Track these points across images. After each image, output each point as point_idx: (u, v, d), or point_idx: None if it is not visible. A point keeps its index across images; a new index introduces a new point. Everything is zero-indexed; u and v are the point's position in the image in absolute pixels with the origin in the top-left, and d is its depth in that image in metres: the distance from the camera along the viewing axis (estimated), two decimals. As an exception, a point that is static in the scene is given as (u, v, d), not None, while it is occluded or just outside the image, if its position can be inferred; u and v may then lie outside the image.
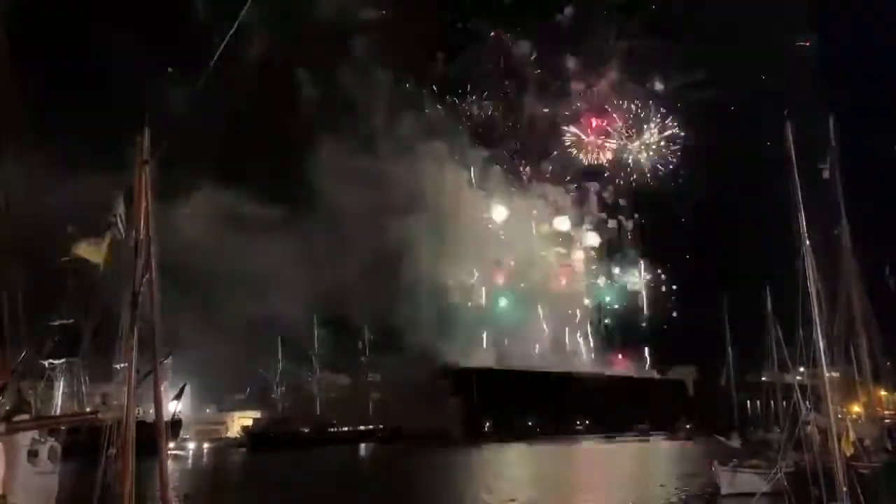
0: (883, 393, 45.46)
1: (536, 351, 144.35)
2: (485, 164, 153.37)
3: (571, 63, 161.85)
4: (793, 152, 18.51)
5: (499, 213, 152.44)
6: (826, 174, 23.72)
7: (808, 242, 18.42)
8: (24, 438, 16.61)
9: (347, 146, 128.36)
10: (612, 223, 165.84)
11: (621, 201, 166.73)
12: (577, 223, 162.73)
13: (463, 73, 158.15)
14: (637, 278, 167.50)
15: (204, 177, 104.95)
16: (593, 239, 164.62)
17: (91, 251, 10.48)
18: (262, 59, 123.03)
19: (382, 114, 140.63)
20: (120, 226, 9.93)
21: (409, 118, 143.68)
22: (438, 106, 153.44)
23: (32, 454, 17.01)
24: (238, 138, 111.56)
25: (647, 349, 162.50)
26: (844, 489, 16.98)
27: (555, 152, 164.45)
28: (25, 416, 18.91)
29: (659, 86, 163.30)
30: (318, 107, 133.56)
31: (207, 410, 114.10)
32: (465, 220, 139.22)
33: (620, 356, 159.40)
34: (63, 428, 19.75)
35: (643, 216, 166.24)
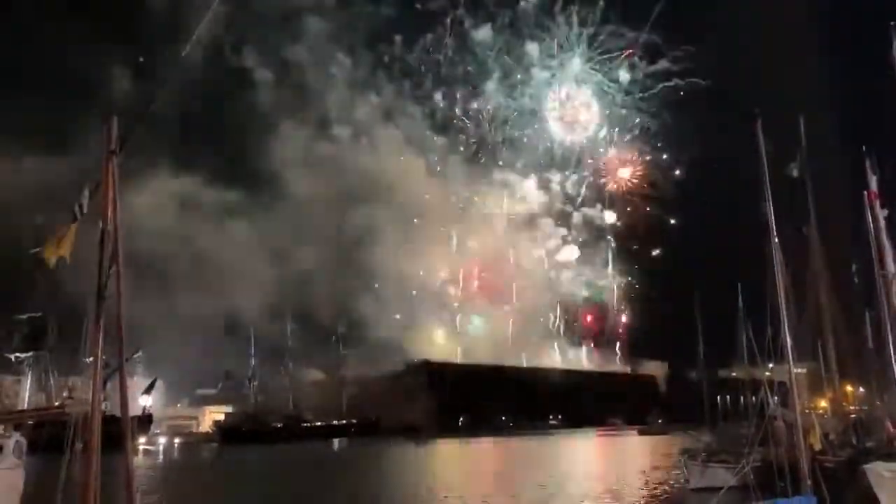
0: (849, 388, 46.21)
1: (505, 345, 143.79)
2: (444, 152, 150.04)
3: (535, 50, 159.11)
4: (763, 149, 18.71)
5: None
6: (795, 172, 24.07)
7: (776, 239, 18.64)
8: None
9: (302, 131, 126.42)
10: (577, 217, 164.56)
11: (585, 192, 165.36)
12: (542, 214, 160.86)
13: (421, 57, 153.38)
14: (608, 273, 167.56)
15: (160, 162, 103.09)
16: (570, 253, 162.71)
17: (61, 247, 10.29)
18: (214, 42, 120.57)
19: (337, 98, 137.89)
20: (79, 212, 9.80)
21: (364, 103, 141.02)
22: (395, 90, 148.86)
23: (-3, 449, 16.78)
24: (192, 123, 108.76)
25: (618, 345, 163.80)
26: (809, 483, 17.24)
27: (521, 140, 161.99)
28: (-10, 411, 18.65)
29: (625, 75, 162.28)
30: (271, 91, 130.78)
31: (179, 405, 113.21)
32: (426, 209, 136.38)
33: (593, 352, 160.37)
34: (29, 422, 19.52)
35: (614, 210, 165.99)
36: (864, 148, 25.61)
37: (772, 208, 18.66)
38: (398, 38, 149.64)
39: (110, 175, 9.75)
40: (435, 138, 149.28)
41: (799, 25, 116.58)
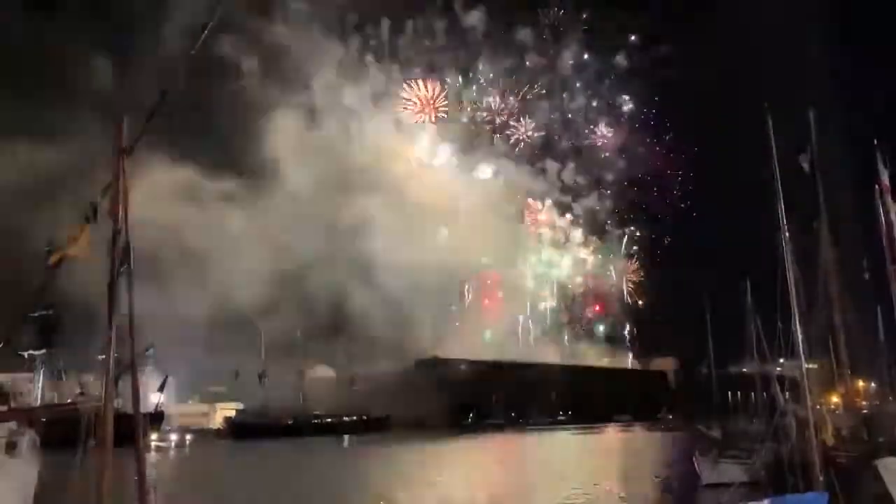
0: (861, 384, 46.02)
1: (512, 342, 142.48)
2: (433, 140, 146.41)
3: (528, 36, 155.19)
4: (772, 143, 18.64)
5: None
6: (805, 166, 23.94)
7: (786, 234, 18.58)
8: (2, 430, 16.50)
9: (289, 118, 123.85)
10: (578, 209, 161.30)
11: (580, 180, 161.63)
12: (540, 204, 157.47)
13: (410, 41, 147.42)
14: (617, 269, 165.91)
15: (156, 155, 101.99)
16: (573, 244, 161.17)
17: (74, 247, 10.34)
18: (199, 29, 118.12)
19: (324, 84, 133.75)
20: (97, 215, 9.86)
21: (352, 88, 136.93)
22: (383, 76, 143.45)
23: (11, 446, 16.91)
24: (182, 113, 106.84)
25: (628, 340, 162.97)
26: (820, 478, 17.19)
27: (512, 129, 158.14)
28: (3, 408, 18.81)
29: (622, 61, 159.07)
30: (257, 77, 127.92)
31: (190, 401, 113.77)
32: (423, 198, 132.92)
33: (603, 347, 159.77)
34: (42, 419, 19.68)
35: (622, 205, 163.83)
36: (875, 141, 25.48)
37: (782, 203, 18.59)
38: (385, 21, 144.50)
39: (121, 173, 9.80)
40: (423, 126, 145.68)
41: (808, 16, 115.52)
